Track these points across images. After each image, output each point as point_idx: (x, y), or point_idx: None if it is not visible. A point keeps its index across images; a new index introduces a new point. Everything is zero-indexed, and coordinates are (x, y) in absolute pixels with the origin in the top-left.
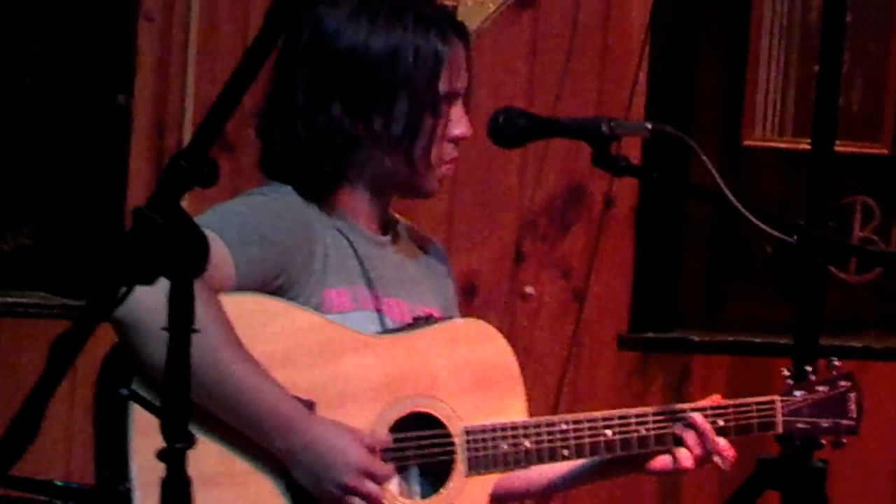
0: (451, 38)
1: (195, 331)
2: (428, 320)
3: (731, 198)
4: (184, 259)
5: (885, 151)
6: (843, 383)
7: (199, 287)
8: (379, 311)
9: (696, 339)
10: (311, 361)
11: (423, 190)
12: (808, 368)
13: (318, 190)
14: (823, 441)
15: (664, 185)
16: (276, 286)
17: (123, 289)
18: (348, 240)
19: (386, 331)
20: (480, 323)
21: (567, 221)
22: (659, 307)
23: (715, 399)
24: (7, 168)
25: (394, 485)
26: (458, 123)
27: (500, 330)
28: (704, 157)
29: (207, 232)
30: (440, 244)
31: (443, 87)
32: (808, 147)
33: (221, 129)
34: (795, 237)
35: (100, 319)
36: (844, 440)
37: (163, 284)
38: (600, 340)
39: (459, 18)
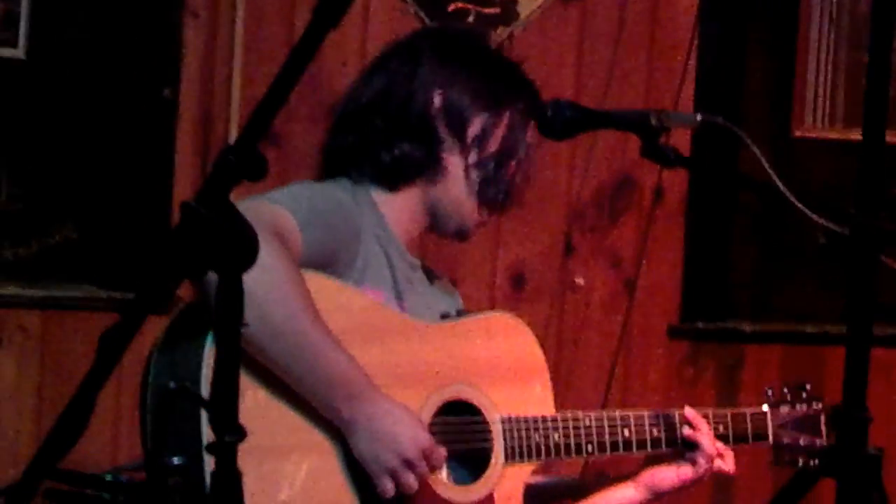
0: (533, 112)
1: (245, 325)
2: (458, 313)
3: (783, 188)
4: (233, 254)
5: None
6: (816, 404)
7: (281, 253)
8: None
9: (748, 329)
10: (366, 341)
11: (465, 220)
12: (785, 389)
13: (399, 178)
14: (799, 459)
15: (715, 175)
16: (324, 272)
17: (173, 283)
18: (385, 251)
19: (428, 319)
20: (512, 316)
21: (616, 212)
22: (710, 297)
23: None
24: (53, 161)
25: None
26: (518, 175)
27: (550, 321)
28: (755, 148)
29: (280, 208)
30: (450, 282)
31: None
32: (859, 137)
33: (269, 124)
34: (847, 227)
35: (148, 313)
36: (815, 462)
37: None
38: (651, 330)
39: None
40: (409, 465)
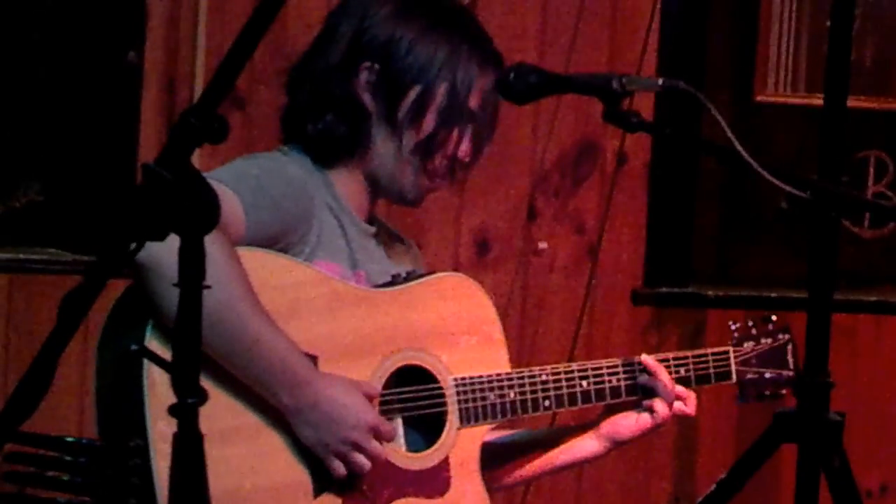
0: (487, 67)
1: (206, 287)
2: (409, 276)
3: (743, 153)
4: (194, 215)
5: None
6: (782, 336)
7: (220, 241)
8: None
9: (711, 293)
10: (315, 315)
11: (406, 192)
12: (750, 322)
13: (327, 152)
14: (767, 392)
15: (676, 140)
16: (274, 250)
17: (134, 244)
18: (339, 221)
19: (379, 285)
20: (463, 277)
21: (580, 177)
22: (673, 262)
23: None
24: (19, 125)
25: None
26: (462, 144)
27: (514, 286)
28: (715, 112)
29: (223, 188)
30: (415, 244)
31: (470, 105)
32: (821, 102)
33: (231, 85)
34: (808, 192)
35: (110, 275)
36: (784, 392)
37: None
38: (614, 296)
39: None
40: (356, 447)
